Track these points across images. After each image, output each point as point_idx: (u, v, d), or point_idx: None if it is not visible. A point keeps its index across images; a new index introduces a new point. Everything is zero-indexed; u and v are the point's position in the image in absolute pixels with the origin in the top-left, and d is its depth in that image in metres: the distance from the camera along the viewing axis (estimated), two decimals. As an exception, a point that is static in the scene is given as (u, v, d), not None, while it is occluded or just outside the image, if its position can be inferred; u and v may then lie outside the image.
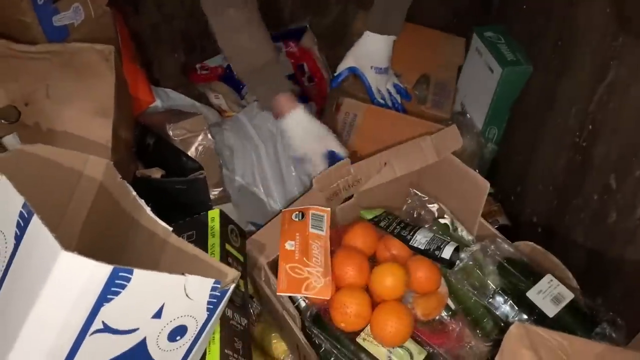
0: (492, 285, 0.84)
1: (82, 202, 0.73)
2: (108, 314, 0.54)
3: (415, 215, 0.98)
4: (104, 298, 0.53)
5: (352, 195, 0.96)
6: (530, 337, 0.52)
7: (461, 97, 1.35)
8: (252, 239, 0.87)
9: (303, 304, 0.86)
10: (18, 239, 0.56)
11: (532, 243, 0.91)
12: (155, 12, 1.30)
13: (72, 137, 0.87)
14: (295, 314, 0.83)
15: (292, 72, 1.35)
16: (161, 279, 0.55)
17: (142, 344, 0.59)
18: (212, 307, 0.61)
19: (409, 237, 0.90)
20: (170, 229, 0.70)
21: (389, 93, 1.19)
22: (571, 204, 1.01)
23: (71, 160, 0.71)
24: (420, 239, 0.89)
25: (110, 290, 0.52)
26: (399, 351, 0.81)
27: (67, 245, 0.51)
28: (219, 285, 0.60)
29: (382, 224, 0.94)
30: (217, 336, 0.70)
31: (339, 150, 1.01)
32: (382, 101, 1.17)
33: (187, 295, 0.58)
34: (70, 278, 0.51)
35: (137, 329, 0.57)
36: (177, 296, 0.57)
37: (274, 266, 0.85)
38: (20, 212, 0.55)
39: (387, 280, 0.85)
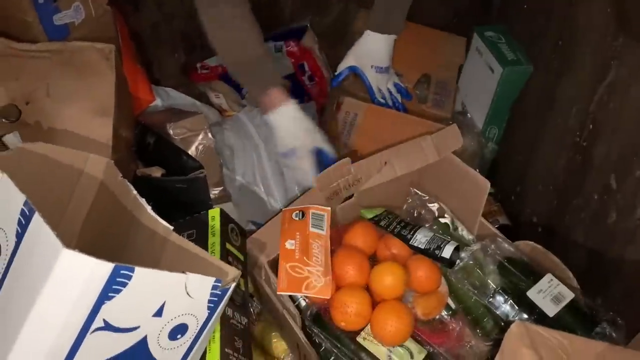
0: (492, 285, 0.84)
1: (83, 200, 0.73)
2: (109, 312, 0.54)
3: (415, 215, 0.98)
4: (105, 296, 0.53)
5: (353, 195, 0.96)
6: (530, 336, 0.52)
7: (462, 96, 1.35)
8: (252, 238, 0.87)
9: (303, 303, 0.86)
10: (19, 236, 0.56)
11: (533, 242, 0.91)
12: (155, 11, 1.30)
13: (73, 135, 0.87)
14: (296, 313, 0.83)
15: (292, 72, 1.35)
16: (162, 277, 0.55)
17: (143, 342, 0.59)
18: (212, 305, 0.61)
19: (409, 236, 0.90)
20: (171, 227, 0.70)
21: (390, 92, 1.19)
22: (571, 204, 1.01)
23: (72, 158, 0.71)
24: (421, 238, 0.89)
25: (111, 288, 0.52)
26: (399, 350, 0.81)
27: (68, 244, 0.51)
28: (219, 284, 0.60)
29: (382, 223, 0.94)
30: (218, 335, 0.70)
31: (328, 148, 1.01)
32: (382, 100, 1.17)
33: (187, 293, 0.58)
34: (72, 276, 0.51)
35: (138, 327, 0.57)
36: (178, 294, 0.57)
37: (274, 265, 0.85)
38: (22, 209, 0.55)
39: (387, 280, 0.85)
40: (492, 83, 1.21)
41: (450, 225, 0.96)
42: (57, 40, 0.96)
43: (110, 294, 0.53)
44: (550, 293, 0.82)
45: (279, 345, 0.93)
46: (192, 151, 1.10)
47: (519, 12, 1.26)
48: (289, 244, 0.86)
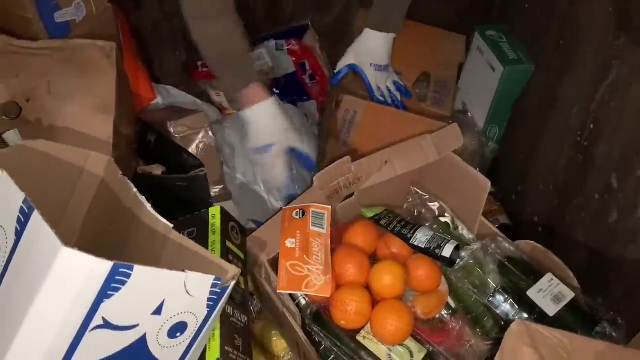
0: (492, 284, 0.84)
1: (83, 198, 0.73)
2: (108, 310, 0.54)
3: (415, 214, 0.98)
4: (104, 294, 0.52)
5: (353, 193, 0.96)
6: (531, 335, 0.51)
7: (463, 95, 1.35)
8: (252, 236, 0.87)
9: (303, 302, 0.86)
10: (18, 234, 0.56)
11: (533, 242, 0.91)
12: (156, 9, 1.30)
13: (74, 133, 0.87)
14: (296, 312, 0.83)
15: (293, 70, 1.35)
16: (161, 275, 0.55)
17: (142, 340, 0.58)
18: (212, 303, 0.61)
19: (409, 235, 0.90)
20: (171, 225, 0.70)
21: (389, 90, 1.19)
22: (572, 204, 1.01)
23: (72, 156, 0.71)
24: (421, 238, 0.89)
25: (110, 286, 0.52)
26: (399, 349, 0.81)
27: (68, 241, 0.51)
28: (219, 282, 0.60)
29: (382, 222, 0.94)
30: (217, 333, 0.70)
31: (303, 147, 1.02)
32: (381, 99, 1.17)
33: (187, 291, 0.58)
34: (71, 274, 0.51)
35: (137, 325, 0.57)
36: (177, 293, 0.57)
37: (274, 264, 0.85)
38: (21, 207, 0.55)
39: (386, 279, 0.85)
40: (493, 82, 1.21)
41: (451, 225, 0.96)
42: (58, 37, 0.96)
43: (109, 292, 0.53)
44: (551, 292, 0.82)
45: (279, 344, 0.93)
46: (192, 149, 1.10)
47: (520, 11, 1.26)
48: (289, 243, 0.86)
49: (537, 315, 0.81)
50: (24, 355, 0.53)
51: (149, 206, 0.71)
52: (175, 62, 1.40)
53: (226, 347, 0.70)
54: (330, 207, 0.90)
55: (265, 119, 1.00)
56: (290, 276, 0.83)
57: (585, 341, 0.56)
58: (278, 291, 0.83)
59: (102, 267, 0.51)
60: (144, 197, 0.71)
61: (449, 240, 0.88)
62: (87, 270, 0.51)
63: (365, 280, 0.87)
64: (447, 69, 1.28)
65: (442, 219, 0.96)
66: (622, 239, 0.89)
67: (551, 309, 0.80)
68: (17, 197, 0.55)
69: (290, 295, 0.85)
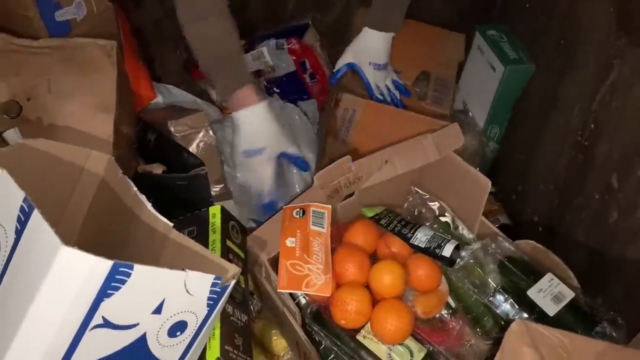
0: (492, 284, 0.84)
1: (84, 197, 0.73)
2: (108, 309, 0.54)
3: (416, 213, 0.98)
4: (104, 293, 0.52)
5: (353, 193, 0.96)
6: (531, 335, 0.51)
7: (463, 95, 1.35)
8: (253, 235, 0.87)
9: (303, 301, 0.86)
10: (18, 233, 0.56)
11: (533, 242, 0.91)
12: (157, 7, 1.30)
13: (74, 132, 0.87)
14: (296, 311, 0.83)
15: (293, 69, 1.35)
16: (161, 274, 0.55)
17: (142, 340, 0.58)
18: (212, 303, 0.61)
19: (409, 235, 0.90)
20: (171, 224, 0.70)
21: (388, 89, 1.18)
22: (572, 204, 1.01)
23: (73, 155, 0.71)
24: (421, 237, 0.89)
25: (110, 285, 0.52)
26: (399, 349, 0.81)
27: (68, 240, 0.50)
28: (219, 281, 0.60)
29: (382, 221, 0.94)
30: (217, 332, 0.70)
31: (295, 151, 1.02)
32: (380, 97, 1.17)
33: (187, 291, 0.58)
34: (71, 273, 0.51)
35: (137, 324, 0.57)
36: (177, 292, 0.57)
37: (274, 263, 0.85)
38: (21, 206, 0.55)
39: (385, 278, 0.85)
40: (493, 82, 1.21)
41: (451, 224, 0.96)
42: (59, 36, 0.96)
43: (109, 291, 0.53)
44: (551, 292, 0.82)
45: (278, 343, 0.93)
46: (193, 148, 1.10)
47: (520, 11, 1.26)
48: (290, 242, 0.86)
49: (537, 315, 0.81)
50: (24, 354, 0.53)
51: (149, 205, 0.71)
52: (176, 61, 1.40)
53: (226, 346, 0.70)
54: (330, 206, 0.90)
55: (257, 123, 1.00)
56: (291, 275, 0.83)
57: (586, 341, 0.56)
58: (278, 290, 0.83)
59: (102, 266, 0.51)
60: (144, 196, 0.71)
61: (449, 240, 0.88)
62: (87, 269, 0.51)
63: (365, 280, 0.87)
64: (446, 67, 1.28)
65: (443, 219, 0.96)
66: (622, 239, 0.89)
67: (551, 309, 0.80)
68: (18, 195, 0.55)
69: (291, 294, 0.85)
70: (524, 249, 0.90)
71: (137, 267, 0.52)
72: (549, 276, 0.84)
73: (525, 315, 0.81)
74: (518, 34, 1.24)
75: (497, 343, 0.82)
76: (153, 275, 0.54)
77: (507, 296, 0.83)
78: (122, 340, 0.57)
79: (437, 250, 0.87)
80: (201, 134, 1.11)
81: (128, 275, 0.52)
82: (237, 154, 1.03)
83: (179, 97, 1.27)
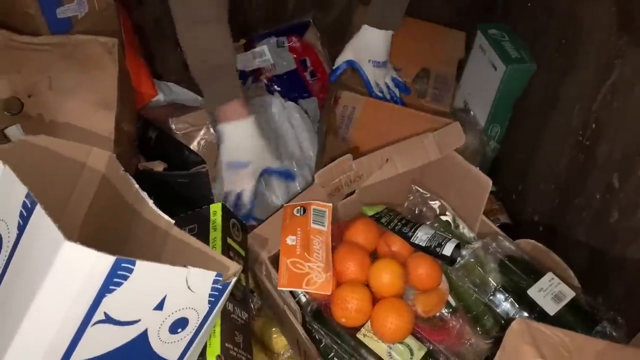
0: (493, 283, 0.84)
1: (85, 194, 0.73)
2: (110, 305, 0.54)
3: (416, 212, 0.98)
4: (106, 289, 0.53)
5: (354, 191, 0.96)
6: (532, 333, 0.52)
7: (464, 94, 1.35)
8: (253, 233, 0.87)
9: (304, 299, 0.86)
10: (21, 229, 0.56)
11: (534, 241, 0.91)
12: (158, 5, 1.29)
13: (75, 129, 0.87)
14: (296, 309, 0.83)
15: (294, 67, 1.35)
16: (163, 270, 0.55)
17: (144, 336, 0.59)
18: (213, 300, 0.61)
19: (410, 233, 0.90)
20: (173, 221, 0.70)
21: (388, 87, 1.18)
22: (573, 203, 1.01)
23: (74, 151, 0.71)
24: (422, 236, 0.89)
25: (112, 281, 0.52)
26: (399, 347, 0.81)
27: (69, 237, 0.51)
28: (220, 278, 0.60)
29: (383, 220, 0.94)
30: (218, 329, 0.70)
31: (279, 165, 1.03)
32: (380, 94, 1.17)
33: (189, 287, 0.58)
34: (73, 268, 0.51)
35: (139, 320, 0.57)
36: (179, 288, 0.57)
37: (275, 261, 0.85)
38: (24, 202, 0.55)
39: (384, 277, 0.85)
40: (495, 81, 1.21)
41: (452, 223, 0.96)
42: (60, 33, 0.96)
43: (111, 287, 0.53)
44: (551, 292, 0.82)
45: (279, 341, 0.93)
46: (194, 146, 1.09)
47: (522, 10, 1.26)
48: (290, 240, 0.86)
49: (538, 314, 0.81)
50: (26, 349, 0.53)
51: (150, 202, 0.71)
52: (176, 59, 1.39)
53: (227, 344, 0.70)
54: (331, 204, 0.90)
55: (242, 138, 1.01)
56: (291, 273, 0.83)
57: (586, 340, 0.56)
58: (279, 288, 0.83)
59: (104, 261, 0.51)
60: (145, 193, 0.71)
61: (450, 239, 0.88)
62: (89, 264, 0.51)
63: (365, 278, 0.87)
64: (446, 65, 1.28)
65: (443, 218, 0.96)
66: (623, 239, 0.89)
67: (551, 308, 0.80)
68: (20, 191, 0.55)
69: (291, 292, 0.85)
70: (524, 248, 0.90)
71: (139, 263, 0.52)
72: (549, 275, 0.84)
73: (526, 314, 0.81)
74: (519, 33, 1.24)
75: (497, 342, 0.82)
76: (155, 271, 0.55)
77: (507, 295, 0.83)
78: (123, 336, 0.57)
79: (437, 249, 0.87)
80: (202, 132, 1.10)
81: (130, 271, 0.52)
82: (221, 163, 1.04)
83: (180, 94, 1.26)
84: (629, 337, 0.77)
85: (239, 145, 1.01)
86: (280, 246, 0.86)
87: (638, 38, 0.87)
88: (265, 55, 1.34)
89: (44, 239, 0.53)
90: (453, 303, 0.89)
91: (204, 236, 0.79)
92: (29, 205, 0.55)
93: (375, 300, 0.84)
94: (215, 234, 0.79)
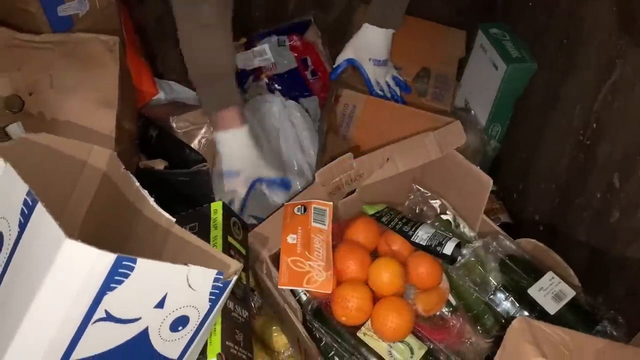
0: (493, 282, 0.84)
1: (85, 192, 0.73)
2: (111, 302, 0.54)
3: (417, 211, 0.98)
4: (107, 287, 0.53)
5: (355, 190, 0.96)
6: (532, 332, 0.52)
7: (465, 93, 1.35)
8: (254, 231, 0.87)
9: (304, 298, 0.86)
10: (22, 226, 0.56)
11: (534, 240, 0.91)
12: (159, 4, 1.29)
13: (76, 127, 0.87)
14: (297, 308, 0.83)
15: (295, 66, 1.35)
16: (164, 268, 0.55)
17: (144, 334, 0.59)
18: (214, 298, 0.61)
19: (410, 232, 0.90)
20: (174, 219, 0.70)
21: (388, 85, 1.18)
22: (574, 203, 1.01)
23: (75, 149, 0.71)
24: (422, 235, 0.89)
25: (113, 279, 0.52)
26: (400, 346, 0.81)
27: (70, 235, 0.51)
28: (221, 277, 0.60)
29: (383, 219, 0.94)
30: (219, 327, 0.70)
31: (272, 174, 1.03)
32: (380, 93, 1.17)
33: (189, 285, 0.58)
34: (74, 266, 0.51)
35: (140, 318, 0.57)
36: (179, 286, 0.57)
37: (275, 259, 0.85)
38: (25, 199, 0.55)
39: (384, 276, 0.85)
40: (495, 80, 1.21)
41: (452, 222, 0.96)
42: (61, 31, 0.96)
43: (112, 285, 0.53)
44: (552, 291, 0.82)
45: (279, 340, 0.93)
46: (194, 144, 1.10)
47: (522, 9, 1.26)
48: (291, 239, 0.86)
49: (538, 313, 0.81)
50: (27, 347, 0.53)
51: (151, 200, 0.71)
52: (177, 58, 1.38)
53: (227, 342, 0.70)
54: (332, 203, 0.90)
55: (236, 147, 1.01)
56: (292, 272, 0.83)
57: (587, 338, 0.56)
58: (279, 287, 0.83)
59: (105, 259, 0.51)
60: (146, 191, 0.71)
61: (451, 238, 0.88)
62: (90, 262, 0.51)
63: (366, 277, 0.87)
64: (447, 64, 1.28)
65: (444, 217, 0.96)
66: (623, 239, 0.89)
67: (552, 308, 0.80)
68: (21, 189, 0.55)
69: (291, 291, 0.85)
70: (525, 247, 0.90)
71: (140, 260, 0.52)
72: (549, 275, 0.84)
73: (526, 313, 0.81)
74: (519, 33, 1.24)
75: (497, 341, 0.82)
76: (156, 269, 0.55)
77: (507, 294, 0.83)
78: (124, 334, 0.57)
79: (438, 248, 0.87)
80: (203, 130, 1.11)
81: (131, 269, 0.52)
82: (215, 169, 1.04)
83: (180, 93, 1.26)
84: (629, 337, 0.77)
85: (231, 154, 1.01)
86: (281, 245, 0.86)
87: (639, 38, 0.87)
88: (266, 54, 1.34)
89: (45, 237, 0.53)
90: (453, 302, 0.89)
91: (204, 234, 0.79)
92: (30, 203, 0.55)
93: (375, 299, 0.84)
94: (216, 233, 0.79)
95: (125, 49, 1.00)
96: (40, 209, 0.54)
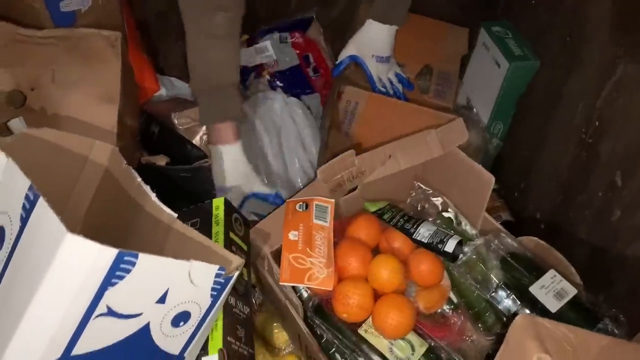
0: (495, 280, 0.84)
1: (87, 187, 0.73)
2: (112, 298, 0.54)
3: (419, 209, 0.98)
4: (108, 282, 0.52)
5: (356, 187, 0.96)
6: (536, 328, 0.52)
7: (467, 91, 1.34)
8: (255, 228, 0.87)
9: (305, 294, 0.86)
10: (24, 221, 0.56)
11: (536, 238, 0.91)
12: (161, 1, 1.29)
13: (78, 122, 0.87)
14: (298, 304, 0.83)
15: (297, 63, 1.35)
16: (166, 264, 0.55)
17: (146, 329, 0.58)
18: (215, 293, 0.61)
19: (412, 230, 0.90)
20: (175, 215, 0.70)
21: (391, 82, 1.18)
22: (575, 201, 1.01)
23: (77, 145, 0.71)
24: (424, 232, 0.89)
25: (115, 274, 0.52)
26: (401, 343, 0.81)
27: (72, 230, 0.50)
28: (223, 272, 0.60)
29: (385, 216, 0.94)
30: (220, 323, 0.70)
31: (265, 189, 1.03)
32: (383, 89, 1.17)
33: (191, 281, 0.58)
34: (75, 261, 0.51)
35: (141, 313, 0.57)
36: (181, 282, 0.57)
37: (277, 256, 0.85)
38: (26, 194, 0.55)
39: (383, 273, 0.84)
40: (498, 78, 1.21)
41: (454, 220, 0.96)
42: (64, 27, 0.96)
43: (113, 280, 0.53)
44: (553, 289, 0.82)
45: (280, 336, 0.93)
46: (196, 141, 1.10)
47: (525, 7, 1.26)
48: (292, 235, 0.86)
49: (539, 311, 0.81)
50: (28, 342, 0.53)
51: (153, 196, 0.71)
52: (179, 54, 1.38)
53: (229, 338, 0.70)
54: (333, 200, 0.90)
55: (229, 162, 1.01)
56: (293, 268, 0.83)
57: (590, 335, 0.56)
58: (280, 283, 0.83)
59: (107, 254, 0.51)
60: (148, 187, 0.71)
61: (452, 236, 0.88)
62: (92, 257, 0.51)
63: (367, 274, 0.87)
64: (449, 61, 1.28)
65: (445, 214, 0.96)
66: (625, 237, 0.89)
67: (553, 306, 0.80)
68: (23, 184, 0.55)
69: (293, 287, 0.84)
70: (526, 245, 0.90)
71: (141, 256, 0.52)
72: (551, 273, 0.84)
73: (527, 311, 0.81)
74: (522, 31, 1.24)
75: (498, 339, 0.83)
76: (158, 264, 0.54)
77: (509, 292, 0.83)
78: (125, 329, 0.57)
79: (439, 246, 0.87)
80: (204, 127, 1.10)
81: (133, 264, 0.52)
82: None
83: (182, 89, 1.26)
84: (630, 335, 0.77)
85: (223, 170, 1.01)
86: (283, 241, 0.85)
87: (643, 36, 0.87)
88: (268, 50, 1.34)
89: (46, 232, 0.53)
90: (455, 300, 0.89)
91: (206, 230, 0.79)
92: (32, 198, 0.55)
93: (376, 296, 0.84)
94: (218, 229, 0.79)
95: (127, 45, 1.00)
96: (42, 203, 0.54)
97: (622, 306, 0.82)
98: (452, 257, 0.86)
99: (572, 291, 0.82)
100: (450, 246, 0.86)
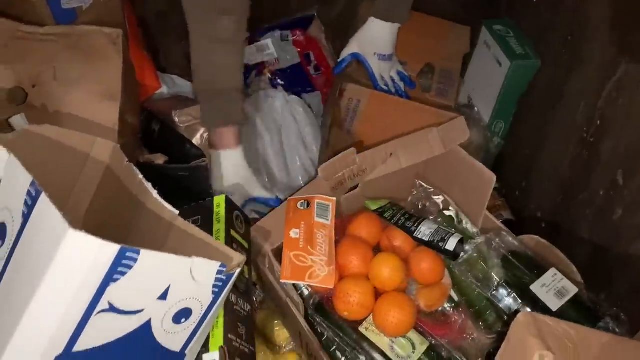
0: (496, 278, 0.84)
1: (89, 184, 0.73)
2: (114, 294, 0.54)
3: (420, 207, 0.98)
4: (110, 278, 0.52)
5: (357, 185, 0.96)
6: (537, 326, 0.52)
7: (469, 90, 1.34)
8: (257, 226, 0.87)
9: (306, 292, 0.86)
10: (26, 217, 0.56)
11: (537, 237, 0.91)
12: (161, 0, 1.29)
13: (79, 119, 0.87)
14: (299, 302, 0.83)
15: (298, 61, 1.34)
16: (168, 260, 0.55)
17: (147, 325, 0.59)
18: (217, 290, 0.61)
19: (413, 228, 0.90)
20: (177, 212, 0.70)
21: (393, 80, 1.18)
22: (577, 200, 1.01)
23: (78, 142, 0.71)
24: (425, 231, 0.89)
25: (116, 270, 0.52)
26: (402, 341, 0.81)
27: (74, 226, 0.50)
28: (224, 269, 0.60)
29: (386, 214, 0.94)
30: (221, 321, 0.70)
31: (264, 194, 1.03)
32: (385, 88, 1.17)
33: (193, 277, 0.58)
34: (77, 257, 0.51)
35: (143, 310, 0.57)
36: (183, 278, 0.57)
37: (278, 254, 0.85)
38: (28, 190, 0.55)
39: (384, 271, 0.84)
40: (499, 77, 1.21)
41: (455, 218, 0.96)
42: (65, 24, 0.96)
43: (115, 276, 0.53)
44: (554, 287, 0.82)
45: (281, 334, 0.93)
46: (196, 139, 1.09)
47: (526, 6, 1.26)
48: (294, 233, 0.86)
49: (540, 310, 0.81)
50: (30, 337, 0.53)
51: (154, 193, 0.71)
52: (180, 52, 1.39)
53: (230, 335, 0.70)
54: (335, 198, 0.90)
55: (230, 167, 1.01)
56: (294, 266, 0.83)
57: (591, 332, 0.56)
58: (281, 281, 0.83)
59: (108, 250, 0.51)
60: (149, 184, 0.71)
61: (453, 234, 0.88)
62: (93, 253, 0.51)
63: (368, 272, 0.87)
64: (451, 60, 1.28)
65: (447, 213, 0.96)
66: (626, 236, 0.89)
67: (554, 304, 0.80)
68: (25, 179, 0.55)
69: (294, 285, 0.84)
70: (527, 243, 0.90)
71: (143, 252, 0.52)
72: (552, 271, 0.84)
73: (528, 309, 0.81)
74: (524, 29, 1.24)
75: (499, 337, 0.83)
76: (159, 261, 0.55)
77: (510, 290, 0.83)
78: (127, 326, 0.57)
79: (440, 244, 0.87)
80: (205, 126, 1.10)
81: (134, 260, 0.52)
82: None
83: (183, 87, 1.26)
84: (631, 334, 0.76)
85: (225, 175, 1.01)
86: (284, 239, 0.85)
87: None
88: (269, 49, 1.34)
89: (48, 227, 0.53)
90: (456, 298, 0.89)
91: (207, 228, 0.79)
92: (34, 194, 0.55)
93: (377, 294, 0.84)
94: (219, 226, 0.79)
95: (128, 43, 1.00)
96: (43, 199, 0.54)
97: (623, 305, 0.82)
98: (453, 255, 0.86)
99: (573, 290, 0.82)
100: (451, 244, 0.86)
